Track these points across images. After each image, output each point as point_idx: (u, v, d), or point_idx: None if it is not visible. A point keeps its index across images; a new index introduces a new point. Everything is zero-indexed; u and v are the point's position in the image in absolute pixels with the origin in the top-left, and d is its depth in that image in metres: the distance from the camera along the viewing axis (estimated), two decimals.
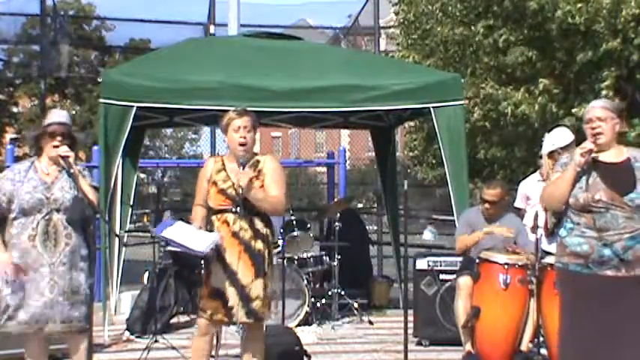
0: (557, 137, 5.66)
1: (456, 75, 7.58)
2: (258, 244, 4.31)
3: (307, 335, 6.62)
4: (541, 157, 5.94)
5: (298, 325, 6.97)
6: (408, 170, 14.53)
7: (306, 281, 7.18)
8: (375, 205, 13.11)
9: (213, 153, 11.26)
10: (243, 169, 4.25)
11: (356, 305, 7.65)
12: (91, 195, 4.16)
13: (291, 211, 7.75)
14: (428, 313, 6.43)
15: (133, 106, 6.43)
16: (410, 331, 5.79)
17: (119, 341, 6.52)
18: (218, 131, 9.90)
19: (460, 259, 6.12)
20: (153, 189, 19.45)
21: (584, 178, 3.79)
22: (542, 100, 9.20)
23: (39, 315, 4.08)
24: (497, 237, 5.77)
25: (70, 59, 16.54)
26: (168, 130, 30.39)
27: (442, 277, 6.49)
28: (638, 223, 3.72)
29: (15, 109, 23.26)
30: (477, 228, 5.90)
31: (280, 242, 7.24)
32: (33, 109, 22.56)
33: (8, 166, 7.94)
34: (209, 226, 4.38)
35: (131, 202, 7.58)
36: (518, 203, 6.33)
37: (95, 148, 8.72)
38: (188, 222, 4.41)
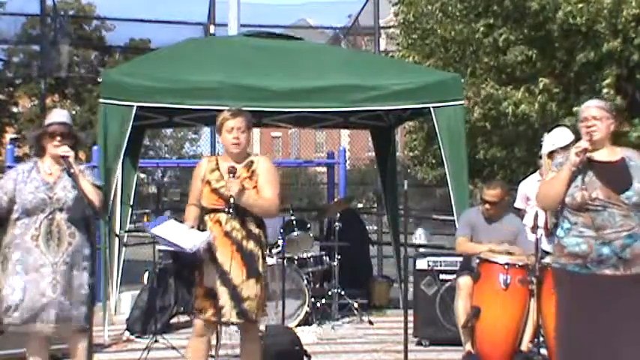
0: (557, 137, 5.66)
1: (456, 75, 7.58)
2: (250, 245, 4.30)
3: (307, 335, 6.62)
4: (541, 157, 5.94)
5: (298, 325, 6.97)
6: (408, 170, 14.53)
7: (306, 281, 7.18)
8: (375, 205, 13.11)
9: (213, 153, 11.24)
10: (233, 176, 4.25)
11: (356, 305, 7.65)
12: (92, 195, 4.15)
13: (291, 211, 7.76)
14: (428, 313, 6.43)
15: (133, 106, 6.43)
16: (410, 331, 5.78)
17: (119, 341, 6.52)
18: None
19: (460, 259, 6.13)
20: (153, 189, 19.48)
21: (580, 177, 3.81)
22: (542, 99, 9.21)
23: (40, 314, 4.08)
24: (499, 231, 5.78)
25: (70, 59, 16.55)
26: (169, 130, 30.38)
27: (442, 277, 6.49)
28: (635, 222, 3.73)
29: (15, 109, 23.25)
30: (477, 228, 5.91)
31: (280, 242, 7.24)
32: (33, 109, 22.56)
33: (8, 166, 7.95)
34: (202, 226, 4.38)
35: (131, 202, 7.58)
36: (518, 204, 6.34)
37: (95, 148, 8.71)
38: (181, 222, 4.41)
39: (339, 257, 7.64)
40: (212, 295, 4.25)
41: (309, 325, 7.17)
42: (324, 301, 7.58)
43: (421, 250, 9.58)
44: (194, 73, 6.72)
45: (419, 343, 6.42)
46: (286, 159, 26.18)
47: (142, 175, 20.49)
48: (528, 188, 6.17)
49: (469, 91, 9.63)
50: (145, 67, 7.04)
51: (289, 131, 30.49)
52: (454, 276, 6.07)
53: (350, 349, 6.43)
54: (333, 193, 10.26)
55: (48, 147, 4.26)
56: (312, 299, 7.27)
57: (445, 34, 10.24)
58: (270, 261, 7.14)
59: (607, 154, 3.89)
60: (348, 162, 11.70)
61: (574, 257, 3.79)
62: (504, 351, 5.50)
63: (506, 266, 5.50)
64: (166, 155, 32.94)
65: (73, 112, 22.01)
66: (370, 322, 7.45)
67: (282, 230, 7.33)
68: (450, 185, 6.76)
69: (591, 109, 3.93)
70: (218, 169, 4.39)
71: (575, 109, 8.69)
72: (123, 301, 7.51)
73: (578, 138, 4.06)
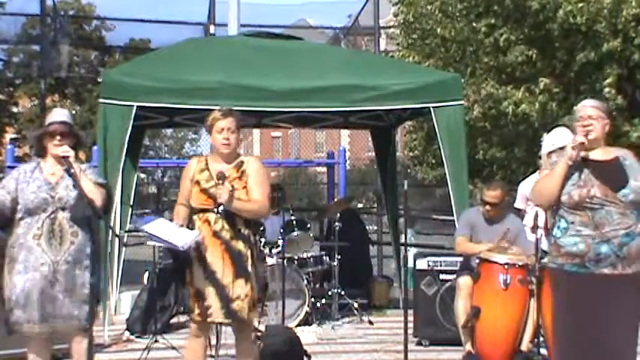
0: (557, 137, 5.64)
1: (455, 75, 7.59)
2: (239, 245, 4.30)
3: (307, 335, 6.61)
4: (541, 157, 5.94)
5: (298, 325, 6.97)
6: (408, 170, 14.53)
7: (306, 281, 7.18)
8: (375, 205, 13.10)
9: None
10: (223, 183, 4.25)
11: (356, 305, 7.65)
12: (92, 194, 4.15)
13: (291, 211, 7.76)
14: (428, 313, 6.43)
15: (133, 106, 6.43)
16: (410, 331, 5.79)
17: (119, 341, 6.52)
18: None
19: (460, 259, 6.13)
20: (153, 189, 19.45)
21: (576, 175, 3.81)
22: (542, 98, 9.21)
23: (41, 313, 4.08)
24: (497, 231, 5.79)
25: (70, 59, 16.55)
26: (169, 130, 30.37)
27: (442, 277, 6.49)
28: (632, 220, 3.74)
29: (15, 109, 23.24)
30: (477, 228, 5.91)
31: (280, 242, 7.24)
32: (33, 109, 22.54)
33: (9, 167, 7.96)
34: (191, 225, 4.39)
35: (131, 202, 7.58)
36: (518, 204, 6.33)
37: (95, 148, 8.71)
38: (171, 220, 4.44)
39: (339, 257, 7.64)
40: (200, 295, 4.26)
41: (309, 325, 7.17)
42: (324, 301, 7.58)
43: (412, 249, 9.50)
44: (194, 73, 6.72)
45: (419, 343, 6.42)
46: (286, 159, 26.20)
47: (142, 175, 20.47)
48: (528, 188, 6.16)
49: (469, 91, 9.64)
50: (145, 67, 7.04)
51: (289, 131, 30.50)
52: (454, 276, 6.07)
53: (350, 349, 6.43)
54: (333, 193, 10.25)
55: (49, 147, 4.27)
56: (312, 299, 7.27)
57: (445, 34, 10.24)
58: (270, 261, 7.16)
59: (601, 153, 3.91)
60: (348, 162, 11.69)
61: (572, 257, 3.78)
62: (504, 351, 5.50)
63: (506, 266, 5.50)
64: (166, 155, 32.91)
65: (73, 112, 21.99)
66: (370, 322, 7.45)
67: (282, 230, 7.33)
68: (449, 185, 6.76)
69: (587, 108, 3.94)
70: (207, 169, 4.41)
71: (575, 108, 8.70)
72: (123, 301, 7.52)
73: None
